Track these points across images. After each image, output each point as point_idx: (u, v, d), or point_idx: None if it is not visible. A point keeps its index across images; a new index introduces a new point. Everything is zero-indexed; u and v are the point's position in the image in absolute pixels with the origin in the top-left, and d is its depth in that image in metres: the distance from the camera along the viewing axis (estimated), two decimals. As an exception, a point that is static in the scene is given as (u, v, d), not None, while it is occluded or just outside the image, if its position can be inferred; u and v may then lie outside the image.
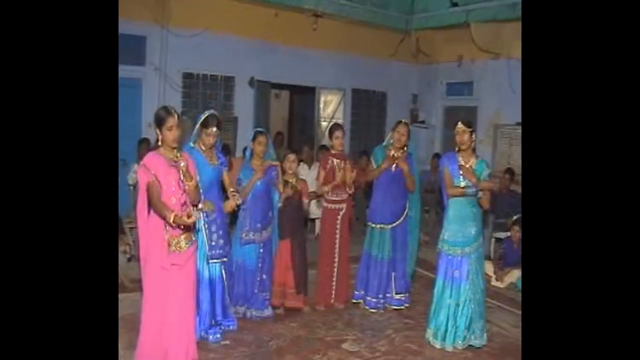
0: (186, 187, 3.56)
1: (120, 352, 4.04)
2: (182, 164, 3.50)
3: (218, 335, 4.37)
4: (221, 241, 4.40)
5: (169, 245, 3.53)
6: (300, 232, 5.25)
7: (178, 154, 3.56)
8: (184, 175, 3.53)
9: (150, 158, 3.50)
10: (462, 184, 4.33)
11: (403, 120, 5.24)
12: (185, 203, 3.57)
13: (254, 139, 4.85)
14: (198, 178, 3.74)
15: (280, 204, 4.94)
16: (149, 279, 3.59)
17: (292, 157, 5.14)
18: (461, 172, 4.32)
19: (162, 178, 3.47)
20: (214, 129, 4.21)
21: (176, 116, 3.50)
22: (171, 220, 3.31)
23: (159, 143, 3.53)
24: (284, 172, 5.04)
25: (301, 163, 7.60)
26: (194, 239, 3.73)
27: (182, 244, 3.58)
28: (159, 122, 3.49)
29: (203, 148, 4.27)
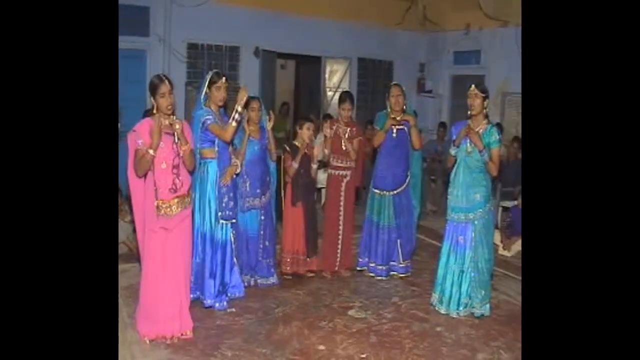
0: (180, 152, 3.65)
1: (127, 320, 4.10)
2: (177, 126, 3.61)
3: (225, 304, 4.39)
4: (231, 203, 4.43)
5: (159, 209, 3.65)
6: (312, 199, 5.29)
7: (173, 118, 3.68)
8: (178, 139, 3.65)
9: (142, 124, 3.63)
10: (469, 148, 4.30)
11: (394, 83, 5.27)
12: (177, 166, 3.67)
13: (246, 105, 4.76)
14: (192, 146, 3.83)
15: (294, 168, 4.94)
16: (143, 243, 3.76)
17: (309, 125, 5.08)
18: (467, 137, 4.29)
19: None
20: (223, 79, 4.25)
21: (168, 83, 3.63)
22: (151, 150, 3.47)
23: (154, 111, 3.67)
24: (295, 137, 5.02)
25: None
26: (188, 202, 3.82)
27: (174, 207, 3.69)
28: (153, 90, 3.65)
29: (214, 109, 4.27)
